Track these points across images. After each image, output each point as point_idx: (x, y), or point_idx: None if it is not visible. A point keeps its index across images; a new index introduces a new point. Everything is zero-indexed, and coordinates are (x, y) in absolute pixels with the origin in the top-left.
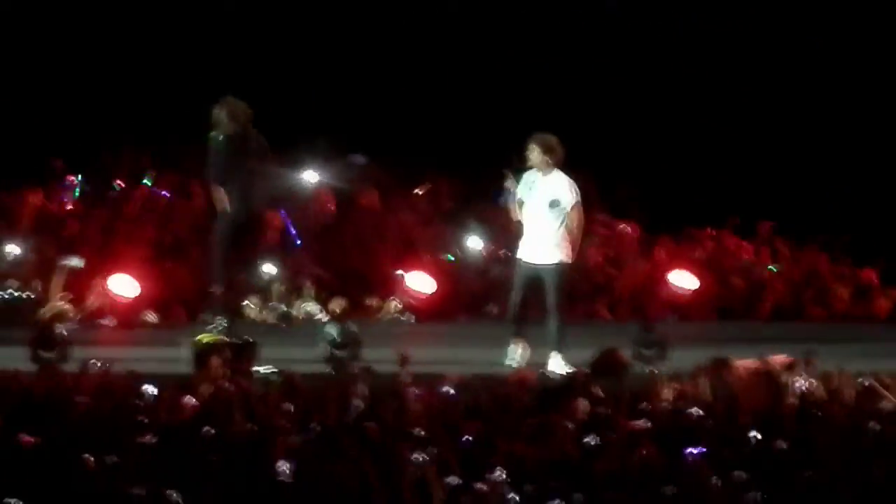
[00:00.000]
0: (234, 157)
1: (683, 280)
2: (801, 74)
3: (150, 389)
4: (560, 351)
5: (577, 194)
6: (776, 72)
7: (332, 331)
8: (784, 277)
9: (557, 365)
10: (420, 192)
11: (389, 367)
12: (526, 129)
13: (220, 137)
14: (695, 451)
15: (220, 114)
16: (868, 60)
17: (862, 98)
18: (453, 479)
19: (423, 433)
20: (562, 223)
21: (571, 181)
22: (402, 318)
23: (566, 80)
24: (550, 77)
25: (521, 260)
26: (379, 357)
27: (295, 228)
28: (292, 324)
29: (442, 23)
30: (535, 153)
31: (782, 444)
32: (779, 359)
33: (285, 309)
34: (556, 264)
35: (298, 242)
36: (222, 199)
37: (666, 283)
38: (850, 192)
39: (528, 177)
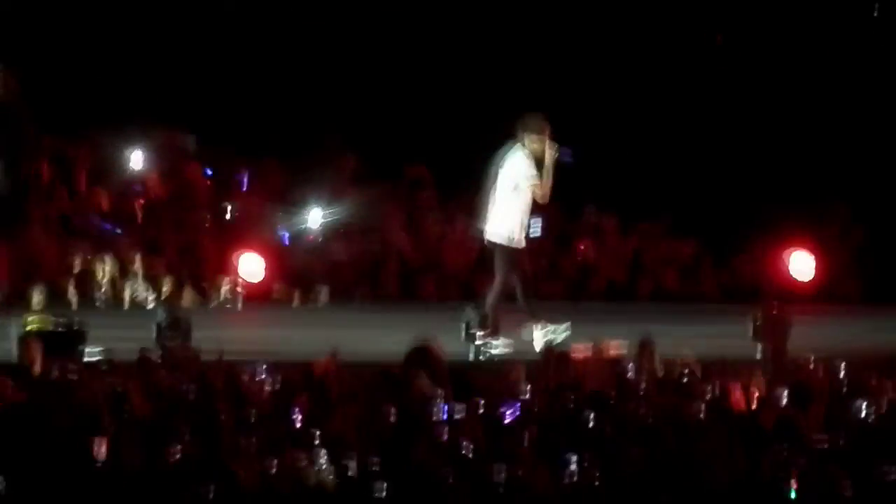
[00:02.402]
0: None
1: None
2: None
3: None
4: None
5: None
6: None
7: (161, 315)
8: (612, 257)
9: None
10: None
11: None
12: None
13: None
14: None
15: None
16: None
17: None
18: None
19: (253, 415)
20: None
21: None
22: (230, 303)
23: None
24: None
25: (522, 245)
26: (207, 340)
27: (107, 221)
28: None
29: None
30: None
31: (612, 427)
32: (613, 344)
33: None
34: None
35: (118, 231)
36: None
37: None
38: (673, 172)
39: (528, 154)
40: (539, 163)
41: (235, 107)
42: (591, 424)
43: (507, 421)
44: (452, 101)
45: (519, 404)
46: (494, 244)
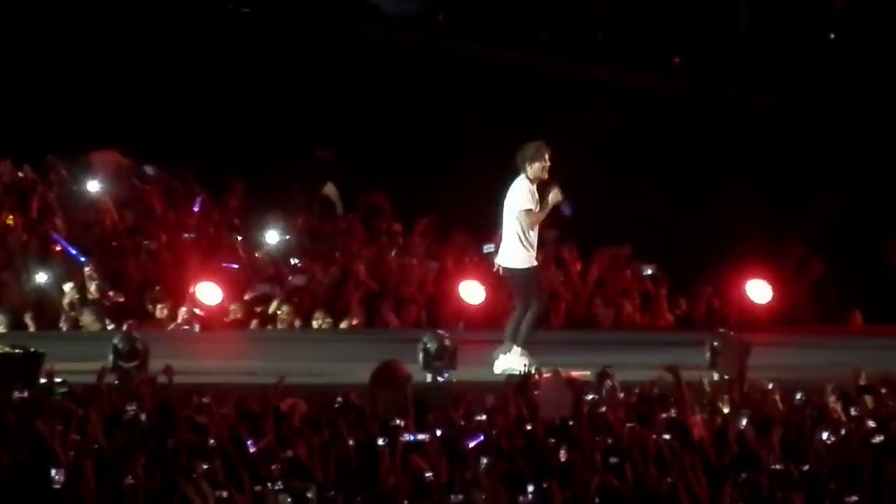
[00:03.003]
0: None
1: (472, 290)
2: None
3: None
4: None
5: None
6: None
7: (119, 341)
8: (573, 286)
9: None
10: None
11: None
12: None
13: None
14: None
15: None
16: None
17: None
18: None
19: (212, 443)
20: None
21: None
22: (188, 329)
23: None
24: None
25: (537, 266)
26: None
27: (73, 246)
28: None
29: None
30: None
31: (573, 455)
32: (574, 372)
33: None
34: None
35: (83, 259)
36: None
37: (455, 292)
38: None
39: (532, 187)
40: (542, 189)
41: (196, 134)
42: (551, 452)
43: (468, 446)
44: (410, 132)
45: (480, 430)
46: (507, 271)
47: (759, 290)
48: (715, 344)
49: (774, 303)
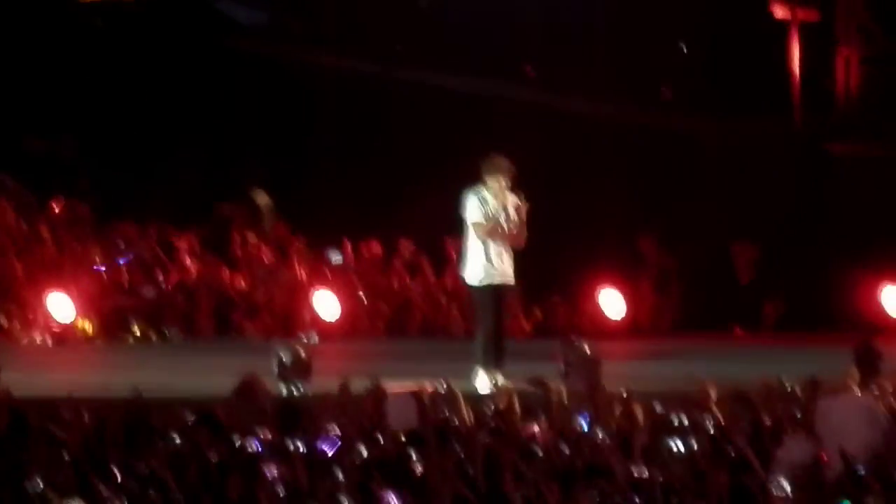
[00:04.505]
0: None
1: (326, 302)
2: None
3: None
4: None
5: None
6: None
7: None
8: (430, 296)
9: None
10: None
11: (27, 391)
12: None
13: None
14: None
15: None
16: None
17: None
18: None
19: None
20: None
21: None
22: (41, 342)
23: None
24: None
25: (491, 284)
26: (16, 379)
27: None
28: None
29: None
30: (503, 174)
31: (428, 467)
32: (428, 382)
33: None
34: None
35: None
36: None
37: (310, 304)
38: None
39: (484, 195)
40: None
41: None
42: (407, 463)
43: (324, 458)
44: (264, 142)
45: (336, 441)
46: (465, 285)
47: (611, 300)
48: (568, 355)
49: (628, 311)
